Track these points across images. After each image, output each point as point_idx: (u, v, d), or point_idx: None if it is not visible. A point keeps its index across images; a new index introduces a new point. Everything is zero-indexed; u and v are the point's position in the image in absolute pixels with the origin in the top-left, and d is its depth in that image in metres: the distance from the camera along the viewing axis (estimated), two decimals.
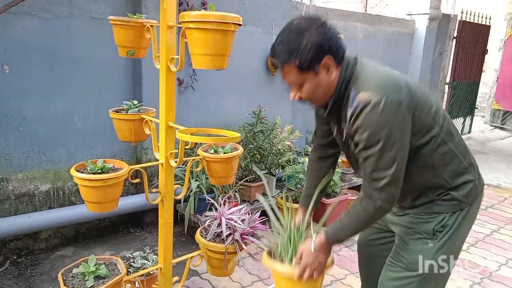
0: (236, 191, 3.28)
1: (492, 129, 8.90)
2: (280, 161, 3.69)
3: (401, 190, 1.45)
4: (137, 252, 2.45)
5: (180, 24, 1.63)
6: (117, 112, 2.12)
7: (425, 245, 1.53)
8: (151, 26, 1.90)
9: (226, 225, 2.22)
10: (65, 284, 1.79)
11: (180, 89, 3.44)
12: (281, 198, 3.53)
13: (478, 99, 7.98)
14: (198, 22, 1.54)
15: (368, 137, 1.35)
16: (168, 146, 1.89)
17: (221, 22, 1.53)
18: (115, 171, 1.76)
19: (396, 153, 1.35)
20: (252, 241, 2.25)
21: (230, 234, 2.21)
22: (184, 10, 3.25)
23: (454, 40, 6.64)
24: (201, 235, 2.28)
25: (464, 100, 7.42)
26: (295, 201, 3.48)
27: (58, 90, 2.92)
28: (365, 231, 1.84)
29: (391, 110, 1.32)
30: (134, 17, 1.96)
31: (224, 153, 2.04)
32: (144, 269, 2.21)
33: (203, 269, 2.78)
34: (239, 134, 1.79)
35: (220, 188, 3.23)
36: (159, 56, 1.82)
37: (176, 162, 1.87)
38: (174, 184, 2.01)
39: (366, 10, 9.27)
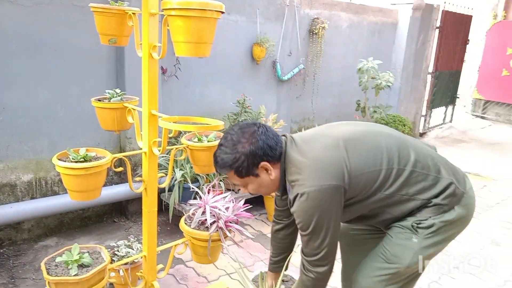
0: (220, 180, 3.29)
1: (473, 118, 9.06)
2: None
3: (374, 219, 1.61)
4: (121, 241, 2.45)
5: (163, 11, 1.63)
6: (99, 101, 2.10)
7: (409, 240, 1.55)
8: (133, 13, 1.88)
9: (210, 213, 2.23)
10: (48, 273, 1.78)
11: (163, 78, 3.42)
12: None
13: (459, 88, 8.11)
14: (181, 9, 1.53)
15: (299, 222, 1.51)
16: (151, 135, 1.89)
17: (204, 10, 1.53)
18: (98, 160, 1.75)
19: (325, 236, 1.48)
20: (236, 229, 2.26)
21: (214, 221, 2.22)
22: None
23: (437, 29, 6.71)
24: (186, 223, 2.30)
25: (446, 89, 7.52)
26: None
27: (40, 79, 2.87)
28: (346, 224, 1.89)
29: (315, 199, 1.44)
30: (116, 5, 1.94)
31: (208, 141, 2.04)
32: (128, 257, 2.21)
33: (188, 257, 2.80)
34: (222, 123, 1.80)
35: (204, 177, 3.24)
36: (141, 44, 1.80)
37: (159, 150, 1.87)
38: (158, 173, 2.01)
39: (350, 0, 9.29)
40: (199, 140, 2.06)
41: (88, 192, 1.73)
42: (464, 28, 7.45)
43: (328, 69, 5.06)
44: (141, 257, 2.14)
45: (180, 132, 2.78)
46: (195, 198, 2.45)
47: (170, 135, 1.87)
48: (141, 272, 2.17)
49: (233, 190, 3.48)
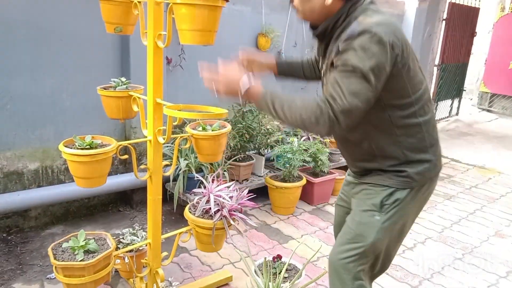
0: (225, 170, 3.31)
1: (479, 111, 9.01)
2: (268, 141, 3.72)
3: (357, 147, 1.53)
4: (127, 229, 2.48)
5: (168, 0, 1.63)
6: (105, 89, 2.12)
7: (371, 218, 1.56)
8: (139, 2, 1.88)
9: (215, 201, 2.25)
10: (55, 258, 1.81)
11: (168, 68, 3.42)
12: (270, 177, 3.58)
13: (466, 81, 8.06)
14: None
15: (352, 59, 1.33)
16: (156, 123, 1.90)
17: None
18: (103, 147, 1.77)
19: (367, 87, 1.34)
20: (240, 217, 2.28)
21: (218, 210, 2.24)
22: None
23: (444, 22, 6.66)
24: (190, 212, 2.32)
25: (452, 82, 7.48)
26: (283, 180, 3.53)
27: (46, 68, 2.89)
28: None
29: (385, 47, 1.34)
30: None
31: (212, 130, 2.06)
32: (133, 245, 2.24)
33: (192, 246, 2.83)
34: (226, 110, 1.81)
35: (209, 167, 3.26)
36: (146, 32, 1.81)
37: (164, 138, 1.89)
38: (163, 162, 2.03)
39: None
40: (204, 129, 2.07)
41: (93, 179, 1.75)
42: (471, 21, 7.39)
43: None
44: (146, 245, 2.16)
45: (184, 122, 2.79)
46: (199, 188, 2.47)
47: (175, 123, 1.88)
48: (145, 259, 2.19)
49: (237, 181, 3.50)
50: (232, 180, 3.48)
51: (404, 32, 1.50)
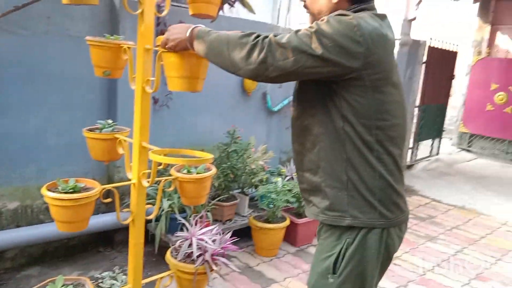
0: (208, 211, 3.29)
1: (459, 151, 9.21)
2: (253, 180, 3.72)
3: (309, 152, 1.49)
4: (106, 272, 2.43)
5: (157, 47, 1.67)
6: (91, 131, 2.12)
7: (325, 280, 1.47)
8: (128, 47, 1.92)
9: (197, 245, 2.23)
10: None
11: (155, 108, 3.45)
12: (254, 218, 3.56)
13: (446, 122, 8.26)
14: None
15: (322, 25, 1.33)
16: (141, 166, 1.91)
17: None
18: (87, 191, 1.76)
19: (312, 54, 1.30)
20: (222, 262, 2.26)
21: (200, 254, 2.22)
22: (162, 31, 3.29)
23: (424, 65, 6.90)
24: (172, 256, 2.29)
25: (433, 123, 7.67)
26: (267, 221, 3.52)
27: (32, 107, 2.89)
28: None
29: (354, 36, 1.31)
30: (112, 38, 1.99)
31: (197, 173, 2.06)
32: None
33: None
34: (212, 156, 1.83)
35: (192, 207, 3.23)
36: (135, 77, 1.84)
37: (148, 182, 1.89)
38: (146, 204, 2.01)
39: None
40: (188, 171, 2.07)
41: (76, 223, 1.72)
42: (450, 63, 7.67)
43: None
44: None
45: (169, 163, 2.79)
46: (182, 229, 2.44)
47: (160, 167, 1.89)
48: None
49: (220, 221, 3.47)
50: (216, 220, 3.45)
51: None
